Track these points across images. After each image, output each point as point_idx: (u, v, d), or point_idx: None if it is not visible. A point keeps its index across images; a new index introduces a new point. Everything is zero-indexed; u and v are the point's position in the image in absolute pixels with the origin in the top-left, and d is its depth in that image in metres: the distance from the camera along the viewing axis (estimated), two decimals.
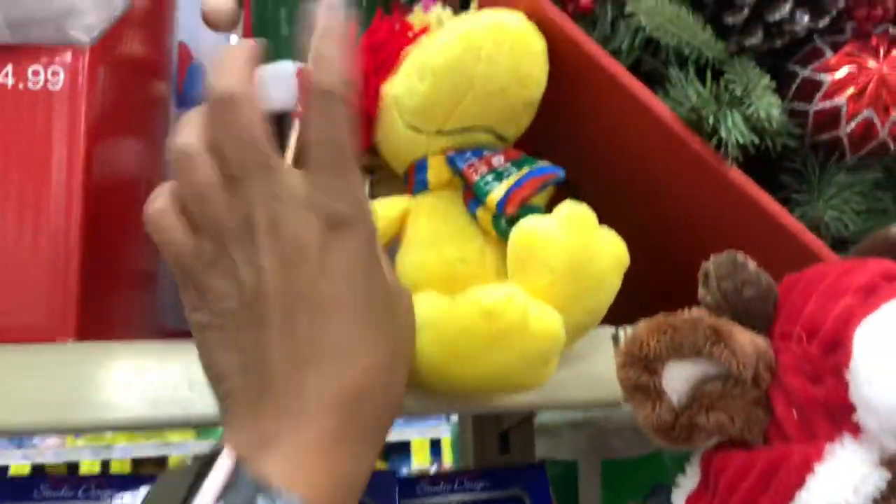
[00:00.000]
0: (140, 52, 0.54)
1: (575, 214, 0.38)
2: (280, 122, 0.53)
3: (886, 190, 0.51)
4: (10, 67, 0.39)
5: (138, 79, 0.55)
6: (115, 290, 0.50)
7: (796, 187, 0.49)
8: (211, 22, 0.54)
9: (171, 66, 0.66)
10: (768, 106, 0.44)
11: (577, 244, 0.37)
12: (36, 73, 0.40)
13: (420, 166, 0.45)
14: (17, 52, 0.40)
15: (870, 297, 0.32)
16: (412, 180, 0.46)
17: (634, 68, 0.48)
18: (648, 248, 0.53)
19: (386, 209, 0.45)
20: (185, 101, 0.72)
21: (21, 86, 0.39)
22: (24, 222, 0.39)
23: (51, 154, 0.40)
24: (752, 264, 0.35)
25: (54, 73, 0.40)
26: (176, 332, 0.66)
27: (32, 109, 0.40)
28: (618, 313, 0.43)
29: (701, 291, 0.35)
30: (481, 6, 0.45)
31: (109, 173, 0.45)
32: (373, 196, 0.52)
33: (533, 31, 0.42)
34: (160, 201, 0.33)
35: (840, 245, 0.49)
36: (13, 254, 0.39)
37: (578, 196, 0.54)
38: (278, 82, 0.52)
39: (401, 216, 0.45)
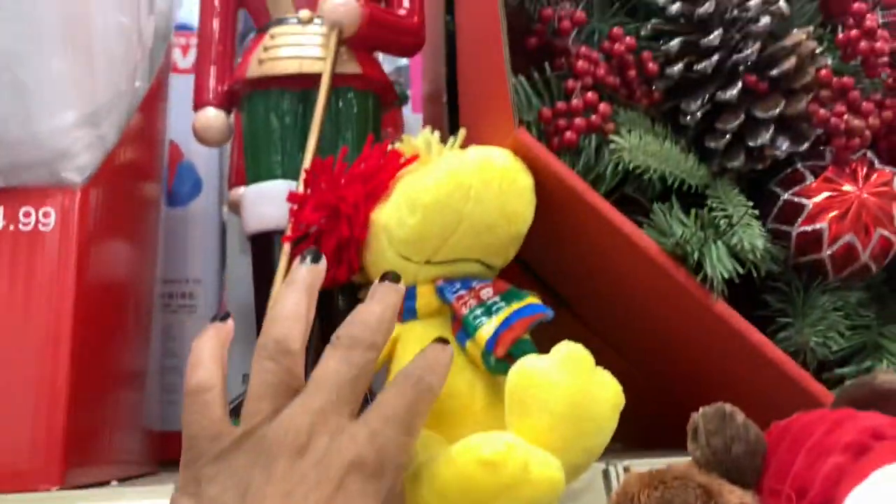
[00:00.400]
0: (132, 162, 0.54)
1: (572, 356, 0.38)
2: (270, 241, 0.54)
3: (869, 307, 0.52)
4: (1, 210, 0.40)
5: (129, 187, 0.55)
6: (103, 407, 0.49)
7: (780, 307, 0.50)
8: (202, 139, 0.55)
9: (162, 167, 0.66)
10: (752, 237, 0.45)
11: (576, 387, 0.37)
12: (27, 215, 0.40)
13: (409, 294, 0.45)
14: (9, 194, 0.40)
15: (859, 458, 0.32)
16: (401, 307, 0.46)
17: (620, 187, 0.49)
18: (639, 366, 0.54)
19: None
20: (175, 198, 0.72)
21: (12, 227, 0.40)
22: (9, 365, 0.39)
23: (38, 295, 0.40)
24: (740, 417, 0.35)
25: (45, 215, 0.40)
26: (161, 433, 0.66)
27: (22, 251, 0.40)
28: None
29: (690, 446, 0.35)
30: (469, 139, 0.46)
31: (99, 292, 0.45)
32: None
33: (520, 169, 0.43)
34: (210, 376, 0.33)
35: (825, 366, 0.49)
36: None
37: (571, 310, 0.54)
38: (271, 201, 0.53)
39: (390, 344, 0.45)
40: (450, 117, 0.60)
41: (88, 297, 0.42)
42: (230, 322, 0.36)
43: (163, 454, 0.63)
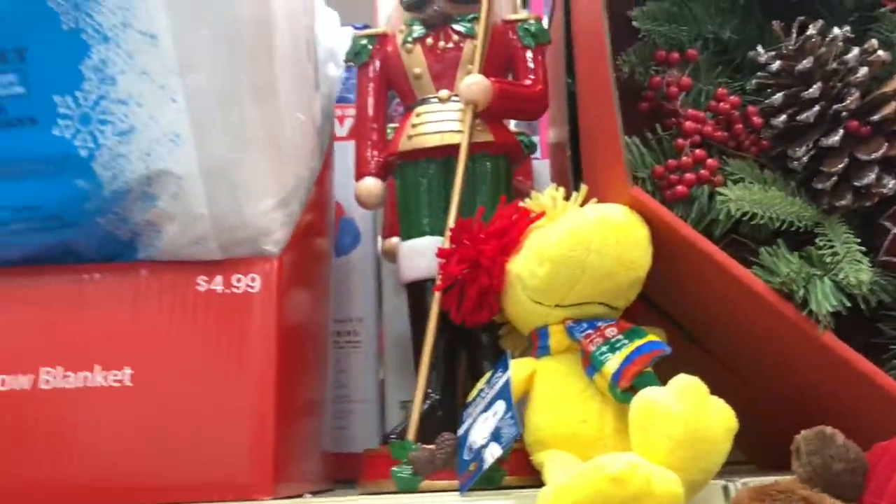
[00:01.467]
0: (311, 226, 0.64)
1: (688, 387, 0.43)
2: (423, 288, 0.63)
3: None
4: (220, 278, 0.51)
5: (310, 247, 0.65)
6: (297, 432, 0.59)
7: (893, 335, 0.52)
8: (364, 204, 0.65)
9: (331, 225, 0.76)
10: (857, 272, 0.48)
11: (692, 415, 0.42)
12: (238, 280, 0.51)
13: (542, 333, 0.53)
14: (225, 265, 0.51)
15: None
16: (535, 345, 0.53)
17: (735, 229, 0.54)
18: (763, 393, 0.58)
19: (518, 371, 0.52)
20: (339, 249, 0.83)
21: (228, 291, 0.51)
22: (229, 399, 0.49)
23: (250, 343, 0.50)
24: (840, 438, 0.40)
25: (252, 280, 0.51)
26: (334, 455, 0.76)
27: (237, 309, 0.51)
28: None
29: (794, 464, 0.40)
30: (591, 194, 0.53)
31: (294, 337, 0.55)
32: (502, 347, 0.60)
33: (636, 221, 0.49)
34: None
35: None
36: (216, 414, 0.49)
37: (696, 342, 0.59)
38: (422, 255, 0.62)
39: (529, 376, 0.52)
40: (573, 168, 0.67)
41: (287, 342, 0.52)
42: None
43: (336, 473, 0.73)
